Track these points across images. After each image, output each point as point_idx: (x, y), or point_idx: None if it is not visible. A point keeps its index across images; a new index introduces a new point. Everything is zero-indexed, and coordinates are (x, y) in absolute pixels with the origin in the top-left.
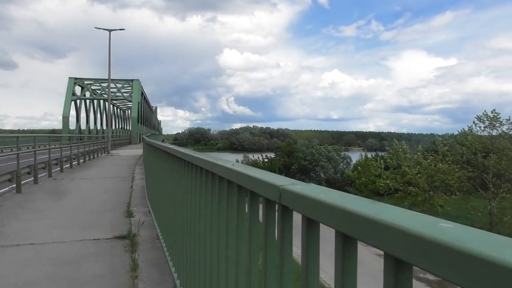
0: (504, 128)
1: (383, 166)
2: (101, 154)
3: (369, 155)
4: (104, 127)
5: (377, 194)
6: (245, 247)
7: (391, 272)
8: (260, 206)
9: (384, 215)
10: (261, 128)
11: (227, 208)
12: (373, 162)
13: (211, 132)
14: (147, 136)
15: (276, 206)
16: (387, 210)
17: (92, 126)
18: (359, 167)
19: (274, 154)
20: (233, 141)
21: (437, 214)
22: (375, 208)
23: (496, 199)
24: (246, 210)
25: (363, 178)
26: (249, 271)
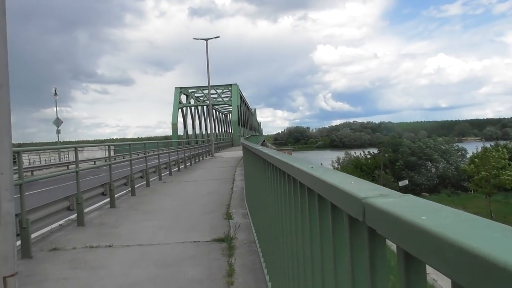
0: None
1: (507, 157)
2: (206, 157)
3: (487, 145)
4: (209, 131)
5: (503, 190)
6: (333, 273)
7: None
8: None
9: None
10: (362, 123)
11: (309, 221)
12: (493, 153)
13: (310, 130)
14: (244, 138)
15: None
16: None
17: (197, 131)
18: (476, 159)
19: (377, 149)
20: (333, 138)
21: None
22: None
23: None
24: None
25: (482, 172)
26: None
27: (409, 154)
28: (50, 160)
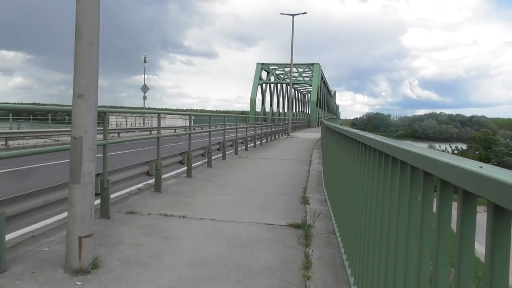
0: None
1: None
2: (282, 136)
3: None
4: (286, 110)
5: None
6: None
7: None
8: None
9: None
10: (450, 115)
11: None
12: None
13: (391, 118)
14: (325, 119)
15: None
16: None
17: (275, 109)
18: None
19: (466, 145)
20: (416, 129)
21: None
22: None
23: None
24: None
25: None
26: None
27: (505, 153)
28: (135, 124)
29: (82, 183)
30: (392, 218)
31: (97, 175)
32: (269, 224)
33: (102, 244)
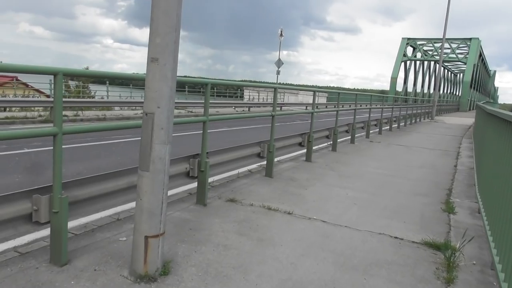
0: None
1: None
2: (424, 119)
3: None
4: (431, 91)
5: None
6: None
7: None
8: None
9: None
10: None
11: None
12: None
13: None
14: (482, 103)
15: None
16: None
17: (418, 89)
18: None
19: None
20: None
21: None
22: None
23: None
24: None
25: None
26: None
27: None
28: (267, 99)
29: (151, 170)
30: None
31: (195, 155)
32: (396, 237)
33: (185, 240)
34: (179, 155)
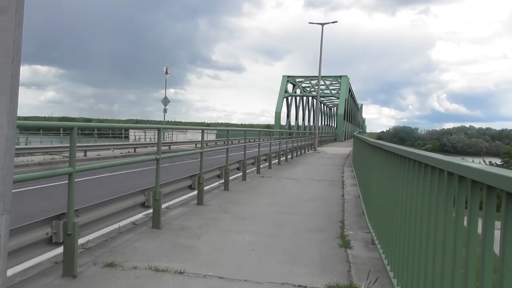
0: None
1: None
2: (308, 150)
3: None
4: (311, 123)
5: None
6: None
7: None
8: None
9: None
10: (479, 128)
11: None
12: None
13: (418, 131)
14: (357, 133)
15: None
16: None
17: (300, 123)
18: None
19: (500, 160)
20: (444, 142)
21: None
22: None
23: None
24: None
25: None
26: None
27: None
28: (151, 139)
29: None
30: None
31: (60, 215)
32: (300, 286)
33: None
34: (42, 215)
